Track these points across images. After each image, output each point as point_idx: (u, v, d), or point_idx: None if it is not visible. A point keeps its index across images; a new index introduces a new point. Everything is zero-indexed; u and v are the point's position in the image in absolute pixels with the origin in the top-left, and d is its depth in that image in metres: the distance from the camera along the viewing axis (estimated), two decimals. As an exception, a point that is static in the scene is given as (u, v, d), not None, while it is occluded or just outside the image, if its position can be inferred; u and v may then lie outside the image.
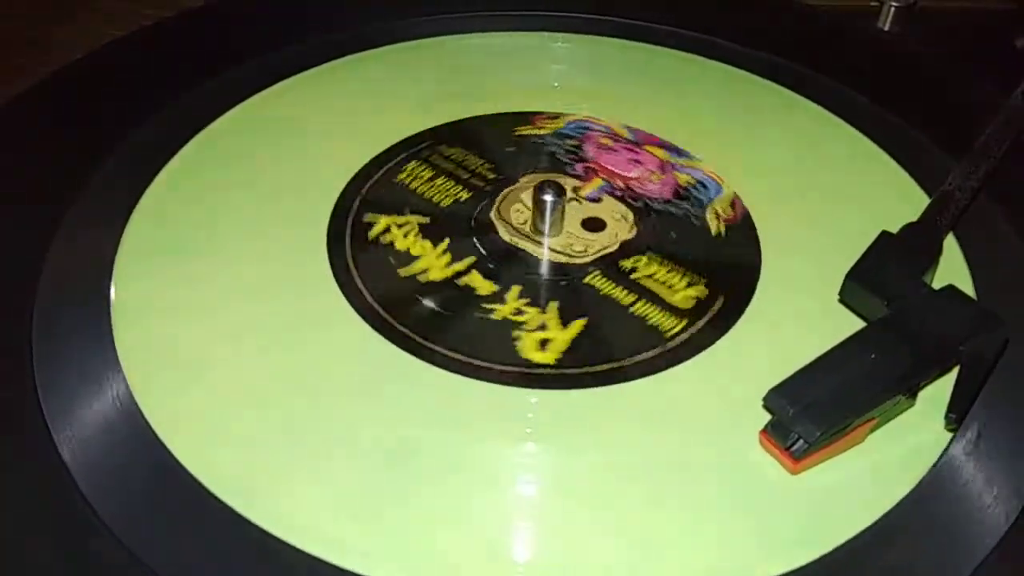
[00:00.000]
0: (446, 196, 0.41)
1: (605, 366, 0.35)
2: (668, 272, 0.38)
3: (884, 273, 0.35)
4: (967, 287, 0.38)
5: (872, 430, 0.32)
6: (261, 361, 0.34)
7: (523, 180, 0.42)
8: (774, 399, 0.31)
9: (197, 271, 0.38)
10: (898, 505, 0.31)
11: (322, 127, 0.45)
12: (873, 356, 0.32)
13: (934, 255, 0.36)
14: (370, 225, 0.40)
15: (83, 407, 0.32)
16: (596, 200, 0.41)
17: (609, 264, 0.39)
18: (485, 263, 0.38)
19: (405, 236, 0.39)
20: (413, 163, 0.43)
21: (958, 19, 0.58)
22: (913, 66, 0.52)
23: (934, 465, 0.32)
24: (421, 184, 0.42)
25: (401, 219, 0.40)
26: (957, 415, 0.31)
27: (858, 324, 0.35)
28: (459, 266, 0.38)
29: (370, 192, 0.41)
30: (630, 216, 0.41)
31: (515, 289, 0.37)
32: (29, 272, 0.36)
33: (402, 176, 0.42)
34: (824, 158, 0.45)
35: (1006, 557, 0.29)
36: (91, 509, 0.29)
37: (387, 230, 0.40)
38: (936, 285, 0.35)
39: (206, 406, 0.33)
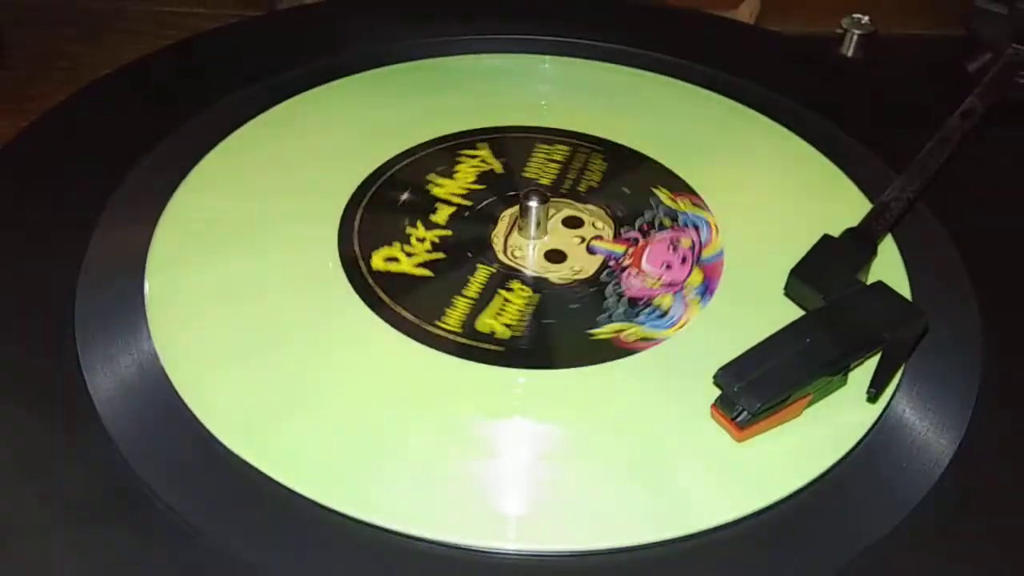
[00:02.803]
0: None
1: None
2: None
3: (823, 271, 0.40)
4: (903, 282, 0.42)
5: (808, 405, 0.37)
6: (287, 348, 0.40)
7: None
8: (722, 376, 0.36)
9: (223, 250, 0.44)
10: (828, 469, 0.36)
11: (332, 137, 0.50)
12: (808, 341, 0.36)
13: (868, 257, 0.41)
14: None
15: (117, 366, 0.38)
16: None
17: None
18: None
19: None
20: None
21: (915, 46, 0.63)
22: (871, 89, 0.57)
23: (861, 436, 0.37)
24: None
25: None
26: (877, 390, 0.36)
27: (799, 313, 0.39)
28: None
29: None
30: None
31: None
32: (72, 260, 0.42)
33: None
34: (782, 172, 0.50)
35: (920, 517, 0.34)
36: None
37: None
38: (871, 281, 0.40)
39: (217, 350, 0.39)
